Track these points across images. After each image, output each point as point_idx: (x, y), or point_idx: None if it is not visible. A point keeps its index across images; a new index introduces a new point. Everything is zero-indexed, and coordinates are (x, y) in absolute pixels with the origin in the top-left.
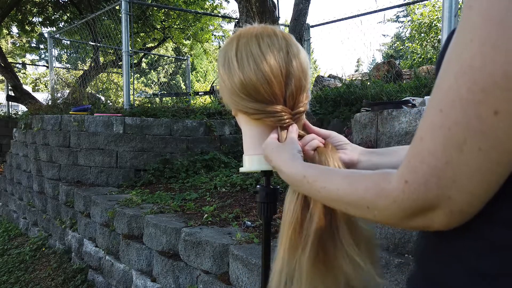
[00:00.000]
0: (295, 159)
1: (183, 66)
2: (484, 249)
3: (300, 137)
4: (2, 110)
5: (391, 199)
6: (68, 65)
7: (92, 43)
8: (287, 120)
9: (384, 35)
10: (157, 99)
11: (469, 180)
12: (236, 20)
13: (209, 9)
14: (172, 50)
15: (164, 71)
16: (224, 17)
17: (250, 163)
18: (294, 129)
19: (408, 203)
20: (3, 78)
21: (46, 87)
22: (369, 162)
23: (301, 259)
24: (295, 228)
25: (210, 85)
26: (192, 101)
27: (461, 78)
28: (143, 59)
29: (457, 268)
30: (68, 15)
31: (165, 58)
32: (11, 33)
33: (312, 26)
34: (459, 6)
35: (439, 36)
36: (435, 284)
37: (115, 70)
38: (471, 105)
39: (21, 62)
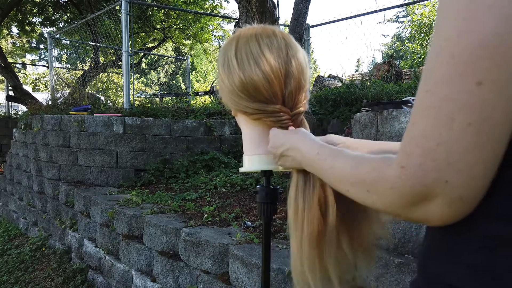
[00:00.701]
0: (310, 136)
1: (183, 66)
2: (488, 247)
3: None
4: (2, 110)
5: (389, 185)
6: (68, 65)
7: (92, 43)
8: (286, 120)
9: (384, 35)
10: (157, 99)
11: (464, 160)
12: (236, 20)
13: (209, 9)
14: (172, 50)
15: (164, 71)
16: (224, 17)
17: (250, 163)
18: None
19: (405, 189)
20: (3, 78)
21: (46, 87)
22: None
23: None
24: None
25: (210, 85)
26: (192, 101)
27: (440, 54)
28: (143, 59)
29: (461, 268)
30: (68, 15)
31: (165, 58)
32: (11, 33)
33: (312, 26)
34: None
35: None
36: (438, 285)
37: (115, 70)
38: (453, 80)
39: (21, 62)
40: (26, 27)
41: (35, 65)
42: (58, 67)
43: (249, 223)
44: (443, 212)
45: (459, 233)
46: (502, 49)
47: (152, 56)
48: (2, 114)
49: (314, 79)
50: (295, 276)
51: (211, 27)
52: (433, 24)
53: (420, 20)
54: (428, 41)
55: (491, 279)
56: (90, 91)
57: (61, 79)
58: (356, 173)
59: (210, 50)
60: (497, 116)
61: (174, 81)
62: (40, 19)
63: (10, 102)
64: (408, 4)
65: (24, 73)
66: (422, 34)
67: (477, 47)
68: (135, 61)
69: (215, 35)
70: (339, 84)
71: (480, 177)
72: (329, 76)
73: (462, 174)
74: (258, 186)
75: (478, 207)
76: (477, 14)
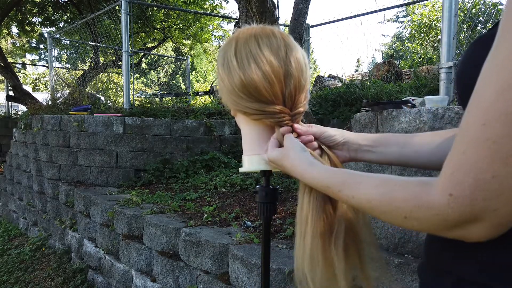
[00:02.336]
0: (313, 166)
1: (183, 66)
2: (494, 244)
3: None
4: (2, 110)
5: (434, 211)
6: (68, 65)
7: (92, 43)
8: (286, 121)
9: (384, 35)
10: (157, 99)
11: None
12: (236, 20)
13: (209, 9)
14: (172, 50)
15: (164, 71)
16: (224, 17)
17: (250, 163)
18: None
19: (453, 216)
20: (3, 78)
21: (46, 87)
22: (365, 158)
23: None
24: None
25: (210, 85)
26: (192, 101)
27: (506, 92)
28: (143, 59)
29: (470, 262)
30: (68, 15)
31: (165, 58)
32: (11, 33)
33: (312, 26)
34: (459, 6)
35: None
36: (448, 277)
37: (115, 70)
38: None
39: (21, 62)
40: (26, 27)
41: (35, 65)
42: (58, 67)
43: (249, 223)
44: (483, 234)
45: None
46: None
47: (152, 56)
48: (2, 114)
49: (314, 79)
50: (299, 271)
51: (211, 27)
52: (432, 24)
53: (420, 20)
54: (428, 41)
55: (500, 272)
56: (90, 91)
57: (61, 79)
58: (388, 203)
59: (210, 50)
60: None
61: (174, 81)
62: (40, 19)
63: (10, 102)
64: (408, 4)
65: (24, 73)
66: (422, 34)
67: None
68: (135, 61)
69: (215, 35)
70: (339, 84)
71: None
72: (329, 76)
73: (510, 205)
74: (258, 186)
75: None
76: None
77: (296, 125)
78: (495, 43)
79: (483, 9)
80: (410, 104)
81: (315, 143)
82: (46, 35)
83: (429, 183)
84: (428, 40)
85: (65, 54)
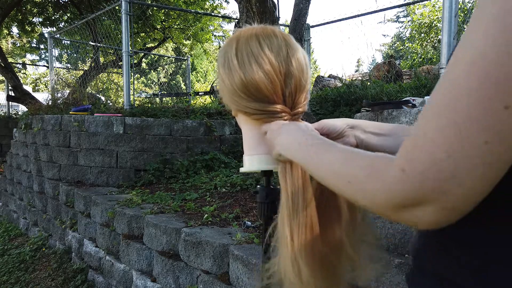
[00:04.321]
0: (301, 126)
1: (183, 66)
2: (473, 246)
3: None
4: (2, 110)
5: (385, 185)
6: (68, 65)
7: (92, 43)
8: (286, 121)
9: (384, 35)
10: (157, 99)
11: (470, 175)
12: (236, 20)
13: (209, 9)
14: (172, 50)
15: (164, 71)
16: (224, 17)
17: (250, 163)
18: None
19: (401, 193)
20: (3, 78)
21: (46, 87)
22: (373, 143)
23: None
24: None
25: (210, 85)
26: (192, 101)
27: (472, 69)
28: (143, 59)
29: (451, 263)
30: (68, 15)
31: (165, 58)
32: (11, 33)
33: (312, 26)
34: (459, 6)
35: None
36: (432, 277)
37: (115, 70)
38: (481, 98)
39: (21, 62)
40: (26, 27)
41: (35, 65)
42: (59, 67)
43: (249, 223)
44: (432, 218)
45: (449, 234)
46: None
47: (152, 56)
48: (2, 114)
49: (314, 79)
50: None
51: (211, 27)
52: (433, 24)
53: (420, 20)
54: (428, 41)
55: (478, 272)
56: (90, 91)
57: (61, 79)
58: (349, 168)
59: (210, 50)
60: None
61: (174, 81)
62: (40, 19)
63: (10, 102)
64: (408, 4)
65: (24, 73)
66: (422, 34)
67: None
68: (135, 61)
69: (215, 35)
70: (339, 84)
71: (479, 193)
72: (329, 76)
73: (463, 188)
74: (258, 186)
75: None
76: None
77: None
78: (472, 17)
79: None
80: (411, 104)
81: None
82: (46, 35)
83: (391, 158)
84: (429, 40)
85: (66, 54)
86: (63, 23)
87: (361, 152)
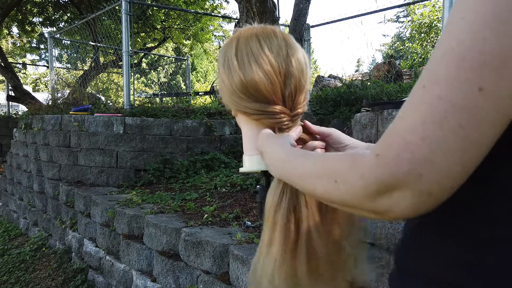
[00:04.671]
0: (284, 143)
1: (183, 66)
2: (464, 242)
3: (302, 140)
4: (2, 110)
5: (360, 172)
6: (68, 65)
7: (92, 43)
8: (286, 122)
9: (384, 35)
10: (157, 99)
11: (445, 159)
12: (236, 20)
13: (209, 9)
14: (172, 50)
15: (164, 71)
16: (224, 17)
17: (250, 163)
18: (297, 131)
19: (375, 177)
20: (4, 78)
21: (46, 87)
22: None
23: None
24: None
25: (210, 85)
26: (192, 101)
27: (449, 54)
28: (143, 59)
29: (437, 260)
30: (68, 15)
31: (165, 58)
32: (12, 33)
33: (313, 26)
34: None
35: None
36: (414, 277)
37: (115, 70)
38: (456, 81)
39: (21, 62)
40: (27, 27)
41: (36, 65)
42: (59, 67)
43: (249, 223)
44: (407, 205)
45: (435, 230)
46: (509, 63)
47: (152, 56)
48: (2, 114)
49: (314, 79)
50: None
51: (211, 27)
52: (433, 24)
53: (420, 20)
54: (428, 41)
55: (466, 269)
56: (90, 91)
57: (62, 79)
58: (327, 164)
59: (210, 50)
60: (488, 125)
61: (174, 81)
62: (41, 19)
63: (10, 102)
64: (408, 4)
65: (25, 73)
66: (422, 34)
67: (491, 56)
68: (135, 61)
69: (215, 35)
70: (339, 84)
71: (455, 178)
72: (329, 76)
73: (439, 172)
74: (258, 186)
75: (459, 207)
76: (501, 26)
77: (307, 123)
78: (451, 10)
79: None
80: None
81: (315, 144)
82: (46, 35)
83: (370, 148)
84: (429, 40)
85: (66, 54)
86: (63, 23)
87: (339, 152)
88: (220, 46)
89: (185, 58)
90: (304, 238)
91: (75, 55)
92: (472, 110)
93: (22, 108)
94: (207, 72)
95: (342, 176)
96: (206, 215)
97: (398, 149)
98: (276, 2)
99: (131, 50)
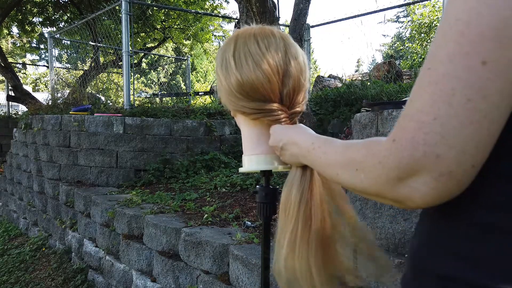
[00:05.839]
0: (307, 130)
1: (183, 66)
2: (473, 234)
3: None
4: (2, 110)
5: (378, 159)
6: (68, 65)
7: (92, 43)
8: (284, 119)
9: (384, 35)
10: (157, 99)
11: (458, 135)
12: (236, 20)
13: (209, 9)
14: (172, 50)
15: (164, 71)
16: (224, 17)
17: (250, 163)
18: None
19: (394, 163)
20: (3, 78)
21: (46, 87)
22: None
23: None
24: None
25: (210, 85)
26: (192, 101)
27: (448, 33)
28: (143, 59)
29: (447, 257)
30: (68, 15)
31: (165, 58)
32: (11, 33)
33: (312, 26)
34: None
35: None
36: (426, 277)
37: (115, 70)
38: (458, 57)
39: (21, 62)
40: (27, 27)
41: (35, 65)
42: (58, 67)
43: (249, 223)
44: (429, 189)
45: (445, 224)
46: (508, 32)
47: (152, 56)
48: (2, 114)
49: (314, 79)
50: (281, 273)
51: (211, 27)
52: (433, 24)
53: (420, 20)
54: (428, 41)
55: (476, 265)
56: (90, 91)
57: (61, 79)
58: (347, 154)
59: (210, 50)
60: (496, 96)
61: (174, 81)
62: (41, 19)
63: (10, 102)
64: (408, 4)
65: (24, 73)
66: (422, 34)
67: (488, 28)
68: (135, 61)
69: (215, 35)
70: (339, 84)
71: (471, 154)
72: (329, 76)
73: (455, 149)
74: (257, 186)
75: (465, 196)
76: (492, 0)
77: None
78: None
79: None
80: None
81: None
82: (46, 35)
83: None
84: (429, 40)
85: (66, 54)
86: (63, 23)
87: (359, 140)
88: (220, 46)
89: (185, 58)
90: (314, 229)
91: (75, 55)
92: (478, 83)
93: (22, 108)
94: (207, 72)
95: (361, 165)
96: (206, 215)
97: (413, 132)
98: (276, 2)
99: (131, 50)
